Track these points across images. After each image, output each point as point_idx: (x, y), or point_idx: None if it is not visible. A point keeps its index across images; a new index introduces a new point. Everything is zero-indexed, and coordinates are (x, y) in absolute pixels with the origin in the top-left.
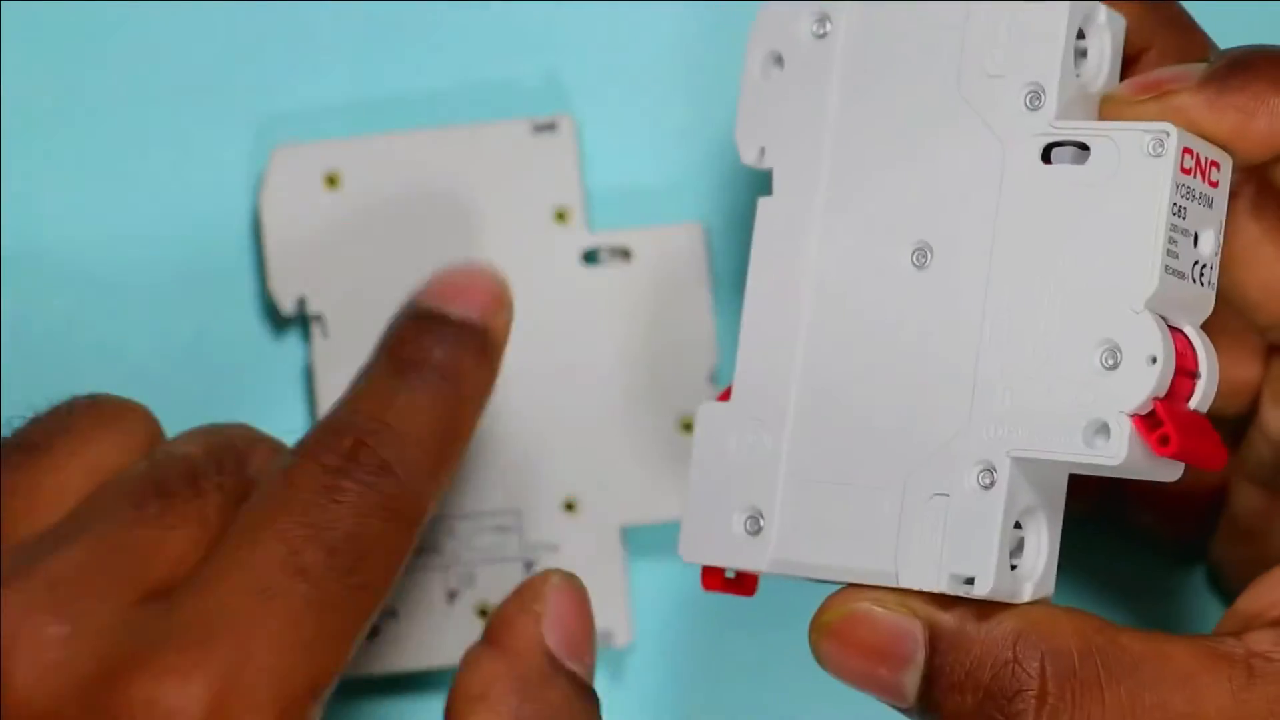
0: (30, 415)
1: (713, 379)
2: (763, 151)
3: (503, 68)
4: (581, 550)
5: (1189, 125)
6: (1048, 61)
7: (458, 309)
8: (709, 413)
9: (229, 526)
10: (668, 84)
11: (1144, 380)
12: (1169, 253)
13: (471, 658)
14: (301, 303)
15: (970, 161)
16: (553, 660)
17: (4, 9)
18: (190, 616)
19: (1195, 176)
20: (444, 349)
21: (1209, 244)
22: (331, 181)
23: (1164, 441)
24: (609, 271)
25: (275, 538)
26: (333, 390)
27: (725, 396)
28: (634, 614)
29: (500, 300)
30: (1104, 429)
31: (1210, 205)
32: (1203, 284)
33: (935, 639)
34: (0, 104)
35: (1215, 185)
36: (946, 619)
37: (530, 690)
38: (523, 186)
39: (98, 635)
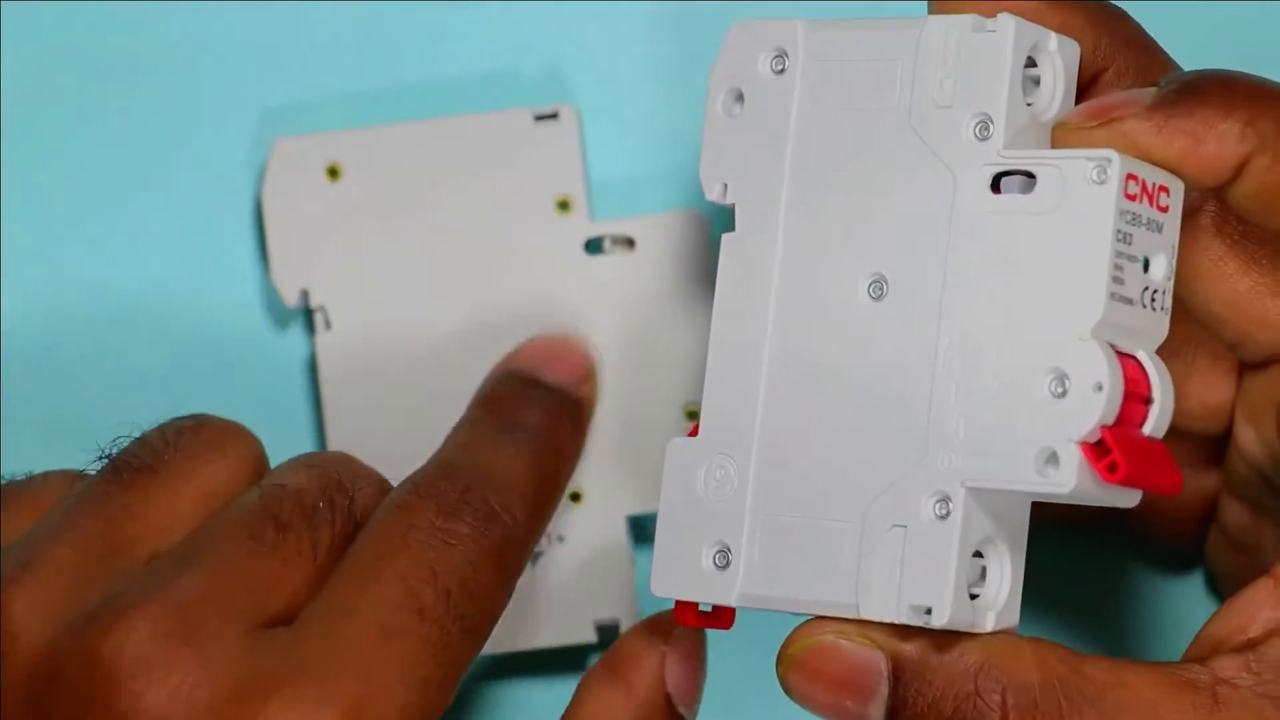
0: (135, 435)
1: None
2: (725, 188)
3: (504, 58)
4: (587, 540)
5: (1138, 151)
6: (994, 91)
7: (552, 376)
8: (678, 448)
9: (339, 562)
10: (669, 72)
11: (1091, 408)
12: (1115, 279)
13: (593, 688)
14: (304, 294)
15: (923, 193)
16: (671, 705)
17: (4, 9)
18: (318, 648)
19: (1142, 202)
20: (541, 412)
21: (1160, 269)
22: (333, 173)
23: (1112, 469)
24: (612, 261)
25: (396, 577)
26: (336, 382)
27: (694, 432)
28: (640, 604)
29: (589, 372)
30: (1054, 458)
31: (1160, 230)
32: (1155, 309)
33: (899, 670)
34: (0, 102)
35: (1165, 210)
36: (909, 650)
37: None
38: (525, 176)
39: (226, 660)
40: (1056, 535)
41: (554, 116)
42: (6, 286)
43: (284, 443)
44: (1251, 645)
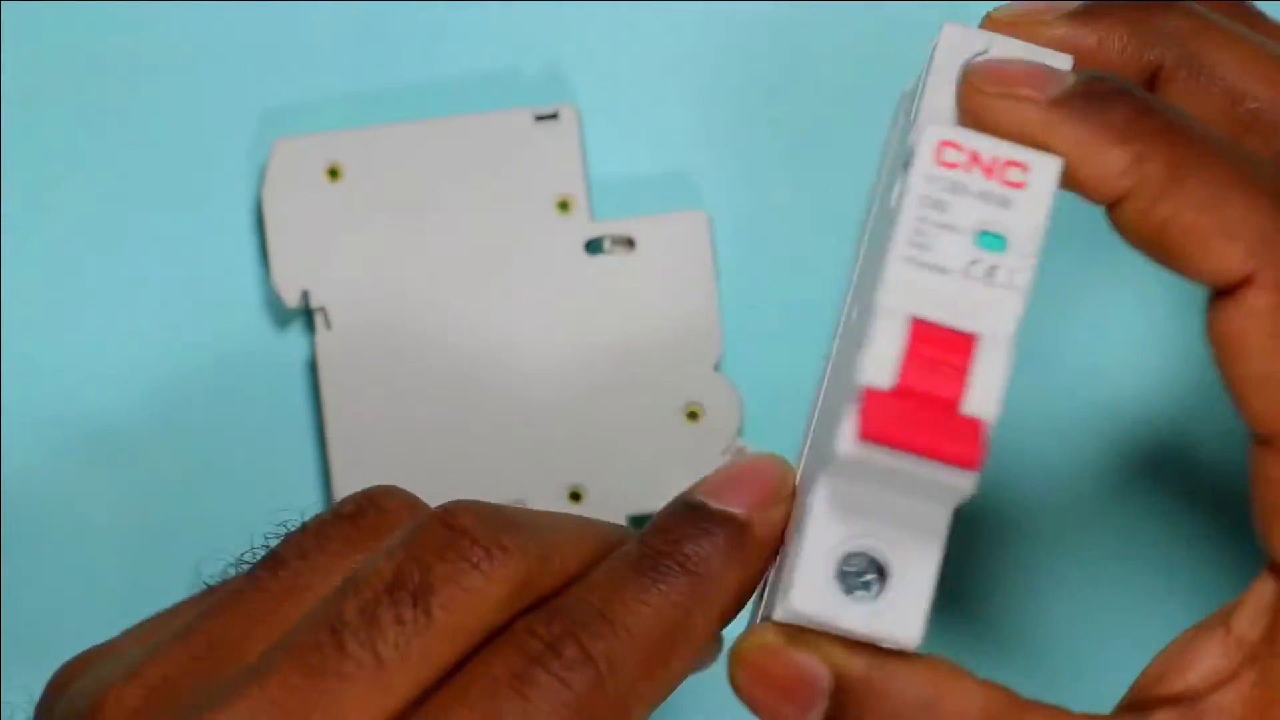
0: (294, 524)
1: (717, 367)
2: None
3: (504, 58)
4: None
5: (1024, 139)
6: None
7: (724, 501)
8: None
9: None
10: (669, 72)
11: (861, 373)
12: (917, 244)
13: None
14: (304, 294)
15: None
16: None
17: (4, 9)
18: None
19: (971, 172)
20: (694, 543)
21: (1003, 244)
22: (333, 173)
23: (861, 430)
24: (613, 260)
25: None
26: (336, 383)
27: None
28: None
29: (774, 493)
30: (841, 425)
31: (1006, 205)
32: (989, 283)
33: (841, 688)
34: (1, 101)
35: (1017, 185)
36: (856, 666)
37: None
38: (525, 176)
39: None
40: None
41: (554, 116)
42: (6, 286)
43: (284, 443)
44: (1192, 698)
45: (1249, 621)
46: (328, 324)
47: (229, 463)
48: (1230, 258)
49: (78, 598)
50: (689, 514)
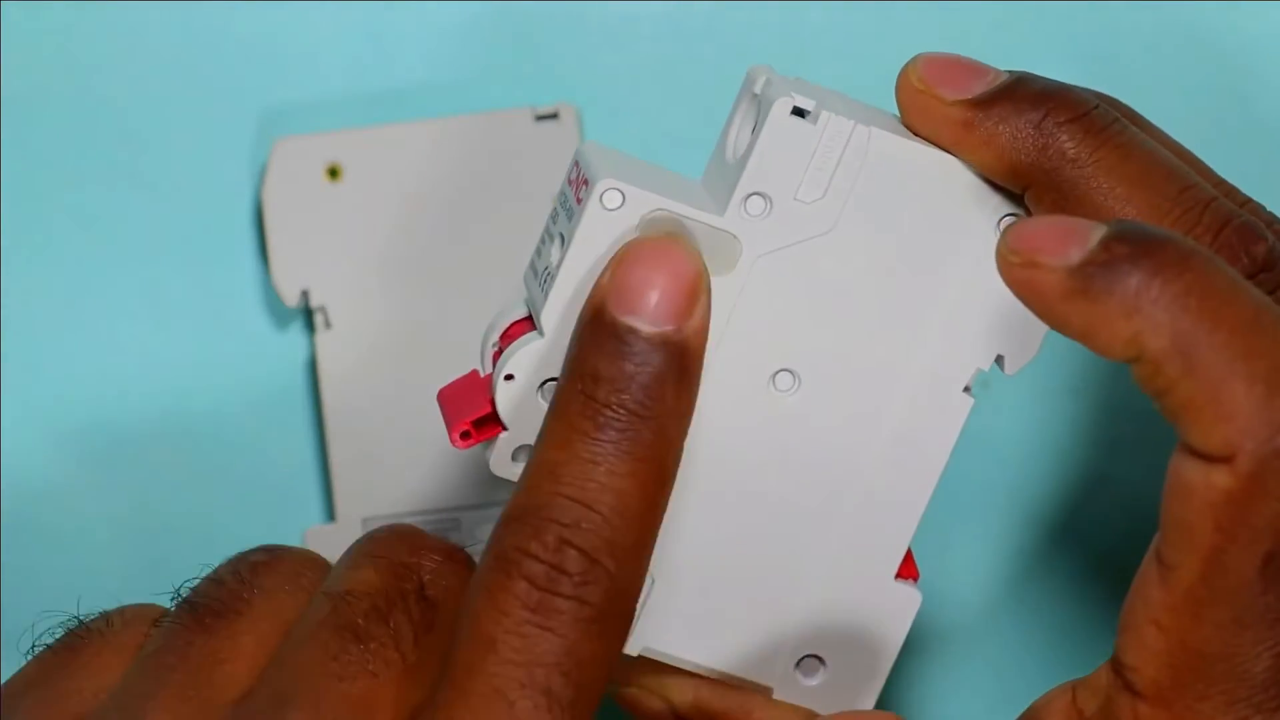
0: (206, 574)
1: None
2: None
3: (504, 58)
4: None
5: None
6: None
7: (649, 319)
8: None
9: (440, 679)
10: (669, 72)
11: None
12: (538, 250)
13: None
14: (304, 294)
15: None
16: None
17: (4, 9)
18: None
19: (570, 187)
20: (643, 386)
21: (554, 253)
22: (333, 173)
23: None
24: None
25: (487, 687)
26: (336, 382)
27: None
28: None
29: (694, 292)
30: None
31: (570, 218)
32: (542, 289)
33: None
34: (0, 101)
35: (579, 202)
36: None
37: None
38: (525, 176)
39: None
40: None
41: (554, 116)
42: (6, 287)
43: (284, 443)
44: None
45: (1086, 698)
46: (328, 324)
47: (229, 462)
48: (1215, 438)
49: (77, 598)
50: (621, 347)
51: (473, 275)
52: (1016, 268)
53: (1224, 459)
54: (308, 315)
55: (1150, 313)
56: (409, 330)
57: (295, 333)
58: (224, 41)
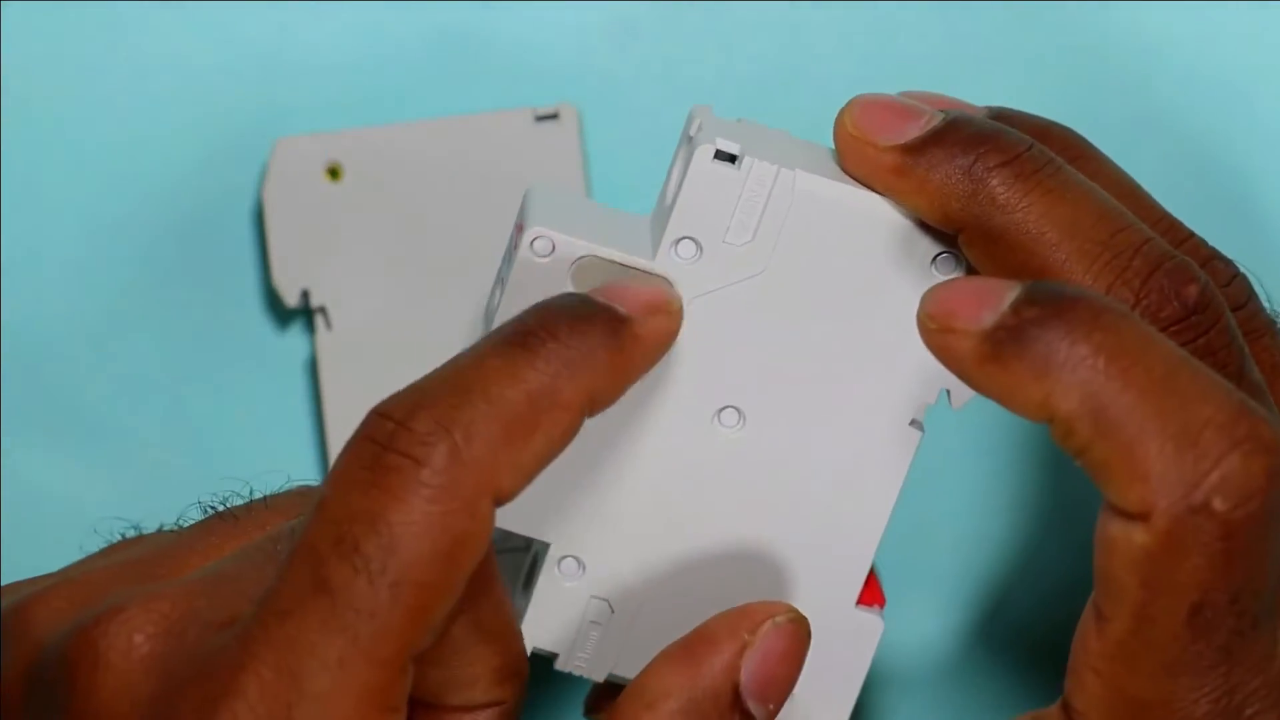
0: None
1: None
2: None
3: (504, 58)
4: None
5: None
6: None
7: (606, 296)
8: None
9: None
10: (669, 72)
11: None
12: (491, 291)
13: (661, 661)
14: (304, 294)
15: None
16: (736, 694)
17: (4, 9)
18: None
19: (515, 231)
20: (569, 324)
21: (497, 296)
22: (334, 173)
23: None
24: None
25: (304, 544)
26: (337, 382)
27: None
28: None
29: (661, 303)
30: None
31: (508, 261)
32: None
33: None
34: (1, 101)
35: (515, 248)
36: None
37: (698, 715)
38: (525, 176)
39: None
40: None
41: (554, 116)
42: (7, 286)
43: (284, 442)
44: None
45: None
46: (328, 324)
47: (229, 462)
48: (1131, 497)
49: None
50: (567, 300)
51: (473, 275)
52: (934, 333)
53: (1141, 517)
54: (308, 315)
55: (1059, 375)
56: (409, 330)
57: (295, 333)
58: (224, 42)
